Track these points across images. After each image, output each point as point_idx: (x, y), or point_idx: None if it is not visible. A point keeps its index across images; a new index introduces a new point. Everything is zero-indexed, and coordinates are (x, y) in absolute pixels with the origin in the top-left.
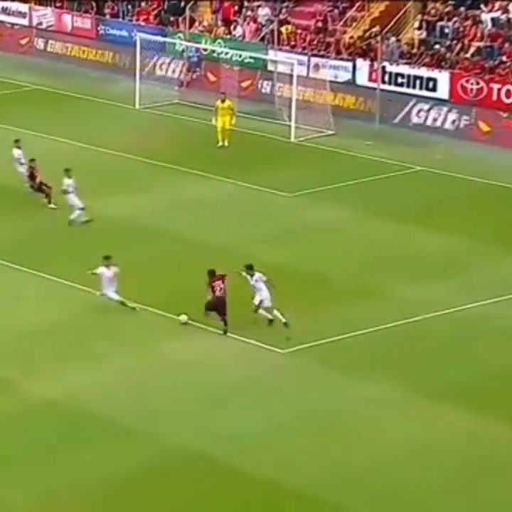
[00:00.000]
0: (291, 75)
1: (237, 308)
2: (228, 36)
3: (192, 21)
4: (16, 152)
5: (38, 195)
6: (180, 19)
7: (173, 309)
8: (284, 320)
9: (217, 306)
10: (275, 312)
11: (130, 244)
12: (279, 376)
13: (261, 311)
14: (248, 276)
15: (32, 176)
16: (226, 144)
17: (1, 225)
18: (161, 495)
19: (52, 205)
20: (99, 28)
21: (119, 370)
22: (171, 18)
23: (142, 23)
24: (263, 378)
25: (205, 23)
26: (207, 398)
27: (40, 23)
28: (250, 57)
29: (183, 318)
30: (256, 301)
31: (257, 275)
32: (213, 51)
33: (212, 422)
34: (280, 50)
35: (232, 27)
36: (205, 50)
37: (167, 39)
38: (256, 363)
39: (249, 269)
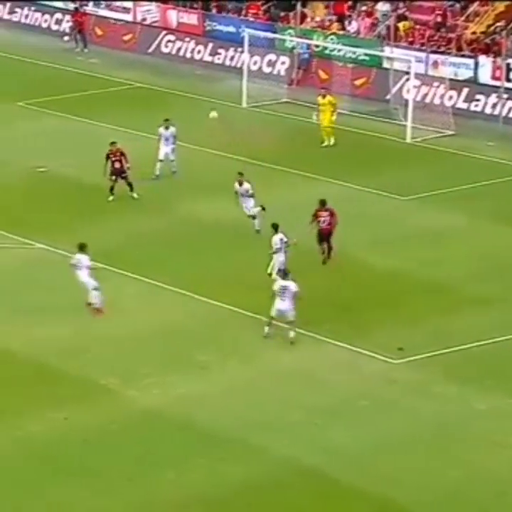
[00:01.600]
0: (408, 73)
1: (344, 315)
2: (341, 32)
3: (303, 17)
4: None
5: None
6: (291, 14)
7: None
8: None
9: (320, 237)
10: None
11: (240, 246)
12: (392, 388)
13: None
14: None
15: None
16: (331, 142)
17: (99, 227)
18: (267, 509)
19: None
20: (205, 24)
21: (224, 379)
22: (282, 14)
23: (250, 19)
24: (376, 390)
25: (318, 19)
26: (317, 410)
27: (144, 19)
28: (365, 54)
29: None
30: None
31: (280, 235)
32: (325, 48)
33: (322, 436)
34: (397, 46)
35: (345, 23)
36: (317, 46)
37: (277, 35)
38: (368, 374)
39: (275, 228)
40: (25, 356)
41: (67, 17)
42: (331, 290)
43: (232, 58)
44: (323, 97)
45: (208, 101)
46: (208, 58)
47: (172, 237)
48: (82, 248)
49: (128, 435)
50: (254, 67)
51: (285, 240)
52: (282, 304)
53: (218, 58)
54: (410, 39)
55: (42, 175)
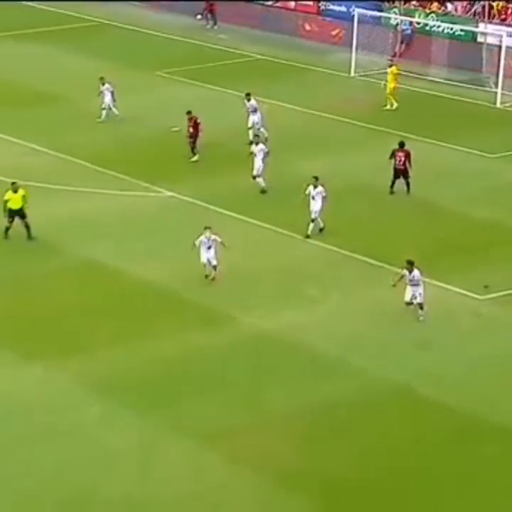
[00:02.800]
0: (500, 46)
1: (438, 258)
2: (441, 11)
3: None
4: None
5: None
6: None
7: (381, 258)
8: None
9: (395, 174)
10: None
11: (352, 201)
12: (477, 320)
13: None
14: (311, 187)
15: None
16: (393, 107)
17: (214, 179)
18: (364, 423)
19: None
20: (320, 4)
21: (329, 310)
22: None
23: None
24: (463, 322)
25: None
26: (411, 337)
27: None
28: (461, 30)
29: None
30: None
31: (320, 188)
32: (426, 25)
33: (417, 359)
34: (490, 23)
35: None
36: (418, 23)
37: (383, 14)
38: (456, 308)
39: (315, 179)
40: (161, 287)
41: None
42: (427, 237)
43: (342, 34)
44: (390, 66)
45: (322, 71)
46: (321, 34)
47: (284, 190)
48: None
49: (245, 355)
50: (362, 42)
51: (324, 194)
52: (415, 290)
53: (330, 34)
54: (503, 16)
55: (175, 134)
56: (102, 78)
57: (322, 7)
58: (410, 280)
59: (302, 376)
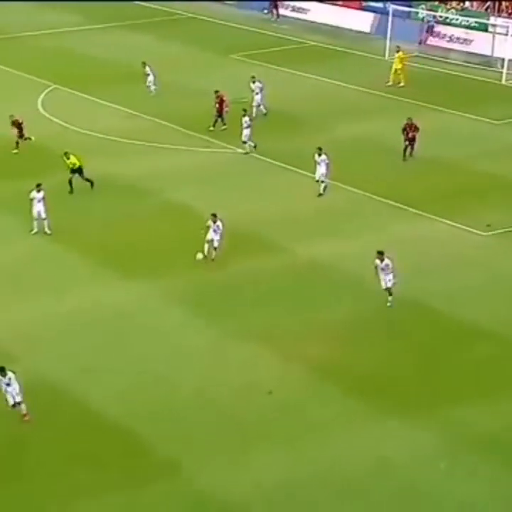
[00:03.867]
0: (506, 35)
1: (447, 201)
2: (459, 6)
3: None
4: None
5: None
6: None
7: (402, 201)
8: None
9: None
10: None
11: (379, 157)
12: (481, 252)
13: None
14: (316, 155)
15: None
16: (399, 84)
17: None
18: (389, 332)
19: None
20: (362, 2)
21: (363, 243)
22: None
23: None
24: (465, 253)
25: None
26: (408, 264)
27: None
28: (475, 22)
29: (199, 256)
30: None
31: (323, 156)
32: (447, 17)
33: (427, 282)
34: (499, 16)
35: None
36: (441, 16)
37: (412, 9)
38: (461, 242)
39: (320, 149)
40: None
41: None
42: (437, 185)
43: (379, 25)
44: (397, 51)
45: (362, 55)
46: (363, 25)
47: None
48: None
49: (296, 276)
50: (395, 31)
51: (327, 161)
52: (386, 277)
53: (369, 25)
54: (510, 11)
55: (242, 104)
56: (143, 63)
57: (364, 3)
58: (382, 268)
59: (340, 293)
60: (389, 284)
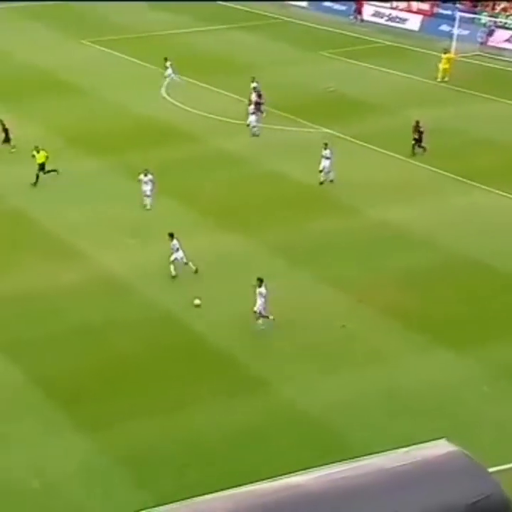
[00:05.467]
0: None
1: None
2: None
3: (494, 4)
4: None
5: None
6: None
7: (465, 176)
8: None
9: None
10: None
11: (438, 137)
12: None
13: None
14: (322, 149)
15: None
16: (444, 79)
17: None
18: (440, 289)
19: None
20: (433, 9)
21: (423, 210)
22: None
23: (459, 6)
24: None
25: (502, 6)
26: (470, 228)
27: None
28: None
29: (197, 301)
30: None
31: (328, 151)
32: (505, 23)
33: (484, 243)
34: None
35: None
36: (500, 22)
37: (476, 16)
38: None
39: (325, 144)
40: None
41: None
42: (494, 162)
43: (448, 29)
44: (444, 53)
45: (431, 54)
46: (434, 28)
47: (395, 129)
48: None
49: (368, 235)
50: (461, 34)
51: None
52: (260, 301)
53: (441, 29)
54: None
55: (330, 93)
56: (165, 59)
57: (435, 11)
58: (260, 293)
59: (407, 249)
60: (259, 309)
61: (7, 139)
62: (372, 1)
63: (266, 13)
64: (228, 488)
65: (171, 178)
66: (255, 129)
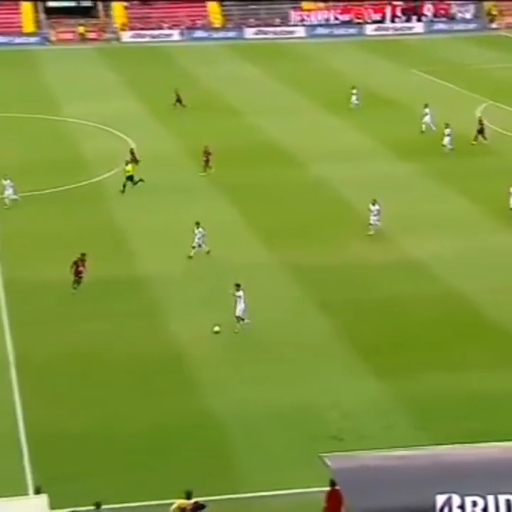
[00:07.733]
0: None
1: None
2: None
3: None
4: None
5: None
6: None
7: None
8: None
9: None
10: None
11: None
12: None
13: None
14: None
15: None
16: None
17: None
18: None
19: None
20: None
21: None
22: None
23: None
24: None
25: None
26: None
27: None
28: None
29: (216, 328)
30: None
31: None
32: None
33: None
34: None
35: None
36: None
37: None
38: None
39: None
40: None
41: None
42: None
43: None
44: None
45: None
46: None
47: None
48: None
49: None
50: None
51: None
52: (240, 305)
53: None
54: None
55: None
56: (352, 87)
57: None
58: (239, 296)
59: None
60: (240, 313)
61: None
62: None
63: None
64: (506, 440)
65: None
66: None
